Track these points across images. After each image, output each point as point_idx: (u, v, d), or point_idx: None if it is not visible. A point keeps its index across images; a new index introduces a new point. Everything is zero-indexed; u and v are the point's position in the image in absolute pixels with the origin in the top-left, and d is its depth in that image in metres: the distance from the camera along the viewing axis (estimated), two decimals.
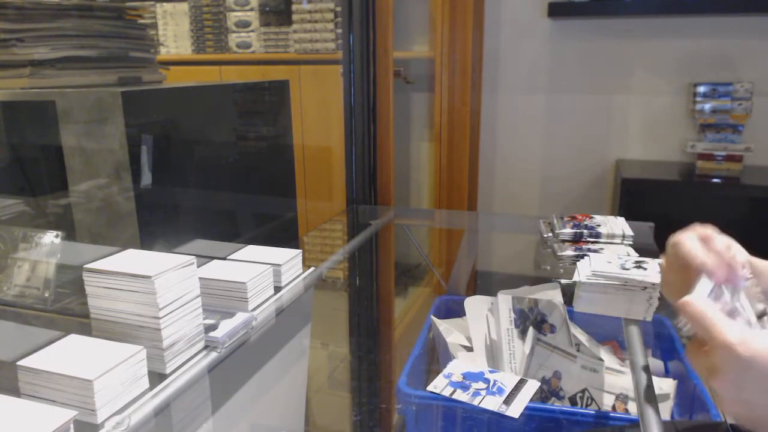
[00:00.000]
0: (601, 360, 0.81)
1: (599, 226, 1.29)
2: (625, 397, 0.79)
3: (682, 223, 0.60)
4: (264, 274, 0.92)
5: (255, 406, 0.84)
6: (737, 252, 0.54)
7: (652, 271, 0.91)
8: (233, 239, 1.23)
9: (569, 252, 1.21)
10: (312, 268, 1.11)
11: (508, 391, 0.74)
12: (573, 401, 0.78)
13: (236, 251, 1.03)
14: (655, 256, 1.11)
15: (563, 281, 0.99)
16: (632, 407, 0.77)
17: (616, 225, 1.29)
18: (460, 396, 0.73)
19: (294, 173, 1.47)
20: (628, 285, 0.77)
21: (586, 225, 1.30)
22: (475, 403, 0.72)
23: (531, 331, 0.83)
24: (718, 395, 0.45)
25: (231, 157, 1.24)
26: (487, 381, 0.76)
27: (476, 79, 2.33)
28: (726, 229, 0.55)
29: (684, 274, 0.54)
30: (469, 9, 2.10)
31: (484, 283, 1.42)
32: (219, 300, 0.88)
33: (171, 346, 0.72)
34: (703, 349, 0.46)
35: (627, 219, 1.34)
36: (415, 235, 1.78)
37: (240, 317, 0.85)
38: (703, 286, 0.51)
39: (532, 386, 0.75)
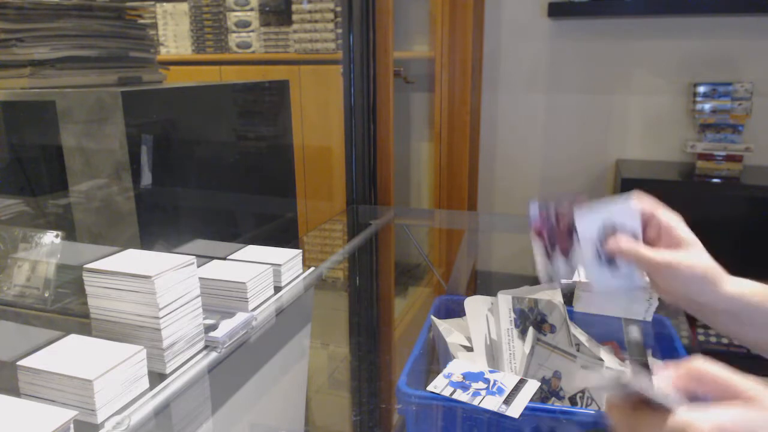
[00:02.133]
0: (601, 360, 0.81)
1: None
2: None
3: None
4: (264, 274, 0.92)
5: (255, 406, 0.84)
6: None
7: None
8: (233, 239, 1.23)
9: None
10: (312, 268, 1.11)
11: (508, 391, 0.74)
12: (573, 401, 0.78)
13: (236, 251, 1.03)
14: None
15: (563, 281, 0.99)
16: None
17: None
18: (460, 396, 0.73)
19: (294, 173, 1.47)
20: None
21: None
22: (475, 403, 0.72)
23: (531, 331, 0.83)
24: None
25: (231, 157, 1.24)
26: (487, 381, 0.76)
27: (476, 79, 2.33)
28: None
29: None
30: (469, 9, 2.10)
31: (484, 283, 1.42)
32: (219, 300, 0.88)
33: (171, 346, 0.72)
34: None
35: None
36: (415, 235, 1.78)
37: (240, 317, 0.85)
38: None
39: (532, 386, 0.75)
